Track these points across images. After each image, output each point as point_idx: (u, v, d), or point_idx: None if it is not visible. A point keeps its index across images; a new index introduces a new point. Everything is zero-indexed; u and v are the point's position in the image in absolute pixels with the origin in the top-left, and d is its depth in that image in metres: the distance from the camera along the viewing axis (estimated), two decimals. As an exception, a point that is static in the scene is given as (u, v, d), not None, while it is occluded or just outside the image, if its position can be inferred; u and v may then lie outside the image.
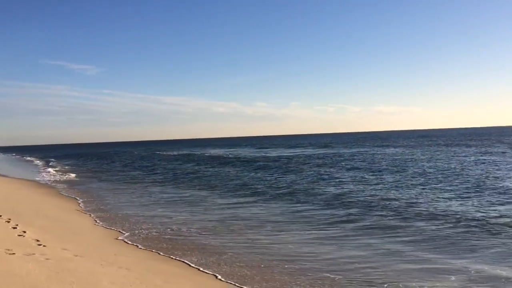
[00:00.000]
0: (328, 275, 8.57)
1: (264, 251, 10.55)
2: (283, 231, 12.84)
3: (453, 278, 8.20)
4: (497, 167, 27.58)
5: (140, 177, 32.99)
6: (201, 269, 9.25)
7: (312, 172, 30.19)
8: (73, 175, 36.40)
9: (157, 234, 12.79)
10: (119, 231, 13.18)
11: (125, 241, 11.89)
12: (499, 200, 16.00)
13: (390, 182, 22.82)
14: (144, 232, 13.07)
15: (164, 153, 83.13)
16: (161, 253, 10.60)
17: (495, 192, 17.76)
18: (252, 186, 23.81)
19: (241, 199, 19.54)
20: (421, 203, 16.26)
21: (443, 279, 8.20)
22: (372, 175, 26.60)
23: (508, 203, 15.48)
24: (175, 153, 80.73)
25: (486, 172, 25.28)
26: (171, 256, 10.30)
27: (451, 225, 12.55)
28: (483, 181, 21.13)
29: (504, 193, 17.44)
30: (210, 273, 8.93)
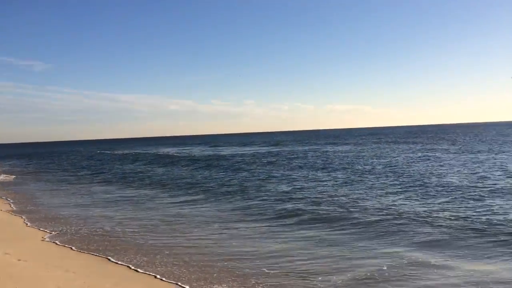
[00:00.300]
0: (264, 269, 8.63)
1: (207, 249, 10.31)
2: (230, 228, 12.63)
3: (385, 267, 8.46)
4: (440, 163, 28.73)
5: (86, 177, 31.57)
6: (139, 270, 8.89)
7: (264, 170, 30.08)
8: (12, 176, 34.24)
9: (88, 234, 12.29)
10: (50, 232, 12.59)
11: (56, 243, 11.29)
12: (443, 194, 16.50)
13: (341, 178, 23.06)
14: (73, 233, 12.53)
15: (116, 152, 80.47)
16: (95, 254, 10.15)
17: (438, 187, 18.34)
18: (204, 185, 23.32)
19: (191, 197, 19.07)
20: (368, 198, 16.48)
21: (376, 268, 8.45)
22: (324, 172, 26.86)
23: (450, 196, 15.99)
24: (126, 152, 78.34)
25: (431, 167, 26.25)
26: (108, 257, 9.84)
27: (393, 217, 12.76)
28: (428, 177, 21.85)
29: (447, 187, 18.05)
30: (151, 274, 8.60)
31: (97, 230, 12.86)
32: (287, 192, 18.91)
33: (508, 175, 20.67)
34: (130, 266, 9.16)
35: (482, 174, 21.74)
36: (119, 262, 9.43)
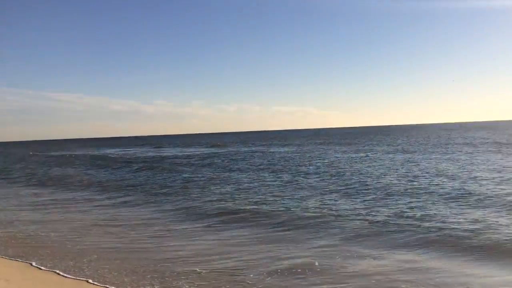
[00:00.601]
0: (197, 269, 8.53)
1: (142, 252, 9.89)
2: (169, 229, 12.24)
3: (316, 263, 8.66)
4: (379, 163, 29.83)
5: (15, 180, 29.43)
6: (67, 275, 8.36)
7: (208, 171, 29.62)
8: None
9: (8, 239, 11.46)
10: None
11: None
12: (381, 192, 17.01)
13: (285, 179, 23.10)
14: None
15: (52, 153, 76.12)
16: (17, 260, 9.43)
17: (376, 185, 18.91)
18: (145, 186, 22.54)
19: (130, 199, 18.35)
20: (310, 198, 16.63)
21: (308, 262, 8.72)
22: (269, 173, 26.81)
23: (387, 194, 16.53)
24: (64, 153, 74.34)
25: (371, 167, 27.17)
26: (31, 263, 9.15)
27: (332, 215, 12.91)
28: (368, 176, 22.54)
29: (385, 185, 18.65)
30: (81, 279, 8.14)
31: (18, 234, 11.95)
32: (230, 193, 18.66)
33: (439, 174, 21.79)
34: (57, 271, 8.59)
35: (417, 173, 22.77)
36: (43, 268, 8.81)
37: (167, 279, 8.00)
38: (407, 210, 13.19)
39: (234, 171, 28.71)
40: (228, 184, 21.69)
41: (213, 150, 63.68)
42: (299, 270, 8.24)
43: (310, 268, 8.32)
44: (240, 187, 20.58)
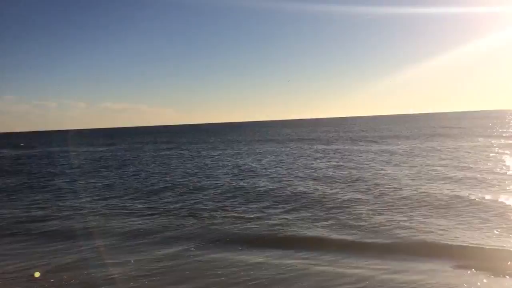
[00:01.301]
0: (43, 283, 8.45)
1: None
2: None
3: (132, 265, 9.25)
4: (194, 161, 31.75)
5: None
6: None
7: (15, 177, 26.76)
8: None
9: None
10: None
11: None
12: (174, 191, 18.38)
13: (106, 184, 21.93)
14: None
15: None
16: None
17: (171, 182, 20.27)
18: None
19: None
20: (105, 200, 17.12)
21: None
22: (91, 176, 25.28)
23: (179, 192, 18.02)
24: None
25: (182, 163, 28.75)
26: None
27: (115, 216, 13.85)
28: (178, 175, 23.94)
29: (179, 184, 20.15)
30: None
31: None
32: (37, 202, 17.43)
33: (236, 168, 24.59)
34: None
35: (223, 170, 25.14)
36: None
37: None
38: (201, 206, 14.76)
39: (45, 176, 26.54)
40: (40, 192, 20.02)
41: (18, 152, 56.89)
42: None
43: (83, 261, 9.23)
44: (51, 191, 19.97)
